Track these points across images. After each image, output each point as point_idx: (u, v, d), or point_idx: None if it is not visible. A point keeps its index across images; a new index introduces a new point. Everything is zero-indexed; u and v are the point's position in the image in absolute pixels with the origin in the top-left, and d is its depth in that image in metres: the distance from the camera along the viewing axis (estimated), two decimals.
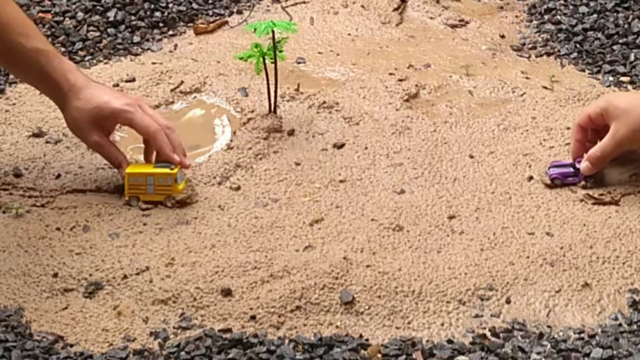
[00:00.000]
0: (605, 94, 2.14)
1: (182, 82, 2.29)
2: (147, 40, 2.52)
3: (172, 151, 1.91)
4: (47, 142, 2.10)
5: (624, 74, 2.35)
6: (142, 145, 1.97)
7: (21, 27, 1.90)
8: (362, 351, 1.59)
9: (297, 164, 2.03)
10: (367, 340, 1.62)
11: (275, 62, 2.09)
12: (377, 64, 2.40)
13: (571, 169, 1.96)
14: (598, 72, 2.38)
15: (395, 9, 2.64)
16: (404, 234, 1.83)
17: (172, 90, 2.27)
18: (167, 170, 1.90)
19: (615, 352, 1.58)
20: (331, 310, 1.67)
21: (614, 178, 1.95)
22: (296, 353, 1.58)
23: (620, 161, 1.97)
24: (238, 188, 1.96)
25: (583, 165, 1.94)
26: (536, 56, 2.48)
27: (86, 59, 2.43)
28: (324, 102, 2.21)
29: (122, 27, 2.54)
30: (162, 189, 1.90)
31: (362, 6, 2.66)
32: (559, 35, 2.53)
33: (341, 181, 1.98)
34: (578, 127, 1.97)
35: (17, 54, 1.90)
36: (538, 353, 1.58)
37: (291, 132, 2.12)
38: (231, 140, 2.10)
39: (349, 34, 2.56)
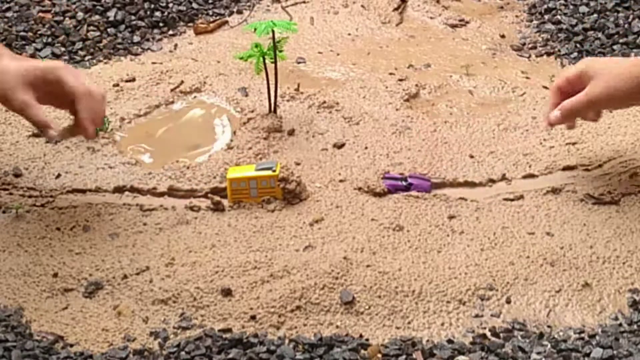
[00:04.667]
0: (584, 58, 2.07)
1: (182, 82, 2.29)
2: (147, 40, 2.52)
3: (91, 122, 1.82)
4: (47, 142, 2.10)
5: None
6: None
7: None
8: (362, 351, 1.59)
9: (297, 164, 2.03)
10: (367, 340, 1.62)
11: (275, 62, 2.09)
12: (377, 63, 2.40)
13: (403, 183, 1.95)
14: None
15: (395, 9, 2.64)
16: (404, 234, 1.83)
17: (172, 90, 2.27)
18: (269, 173, 1.91)
19: (615, 352, 1.58)
20: (331, 310, 1.67)
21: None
22: (296, 353, 1.58)
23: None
24: None
25: (553, 114, 1.89)
26: (536, 56, 2.47)
27: (86, 58, 2.43)
28: (324, 102, 2.21)
29: (122, 27, 2.54)
30: (266, 191, 1.91)
31: (362, 6, 2.66)
32: (559, 35, 2.53)
33: (341, 181, 1.98)
34: (556, 90, 1.92)
35: None
36: (538, 353, 1.58)
37: (291, 132, 2.12)
38: (231, 140, 2.09)
39: (349, 34, 2.56)
